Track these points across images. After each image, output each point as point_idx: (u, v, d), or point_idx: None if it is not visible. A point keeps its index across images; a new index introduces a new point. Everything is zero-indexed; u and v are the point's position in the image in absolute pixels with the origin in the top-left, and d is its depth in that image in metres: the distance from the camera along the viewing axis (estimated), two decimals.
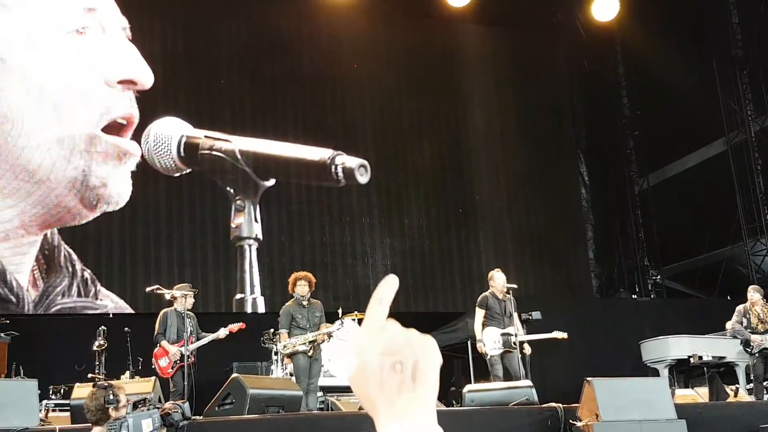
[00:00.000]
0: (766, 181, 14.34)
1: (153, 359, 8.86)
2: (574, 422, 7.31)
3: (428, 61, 14.88)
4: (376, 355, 1.25)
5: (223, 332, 8.97)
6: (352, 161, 13.72)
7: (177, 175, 13.17)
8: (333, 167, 13.65)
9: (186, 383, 8.33)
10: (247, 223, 13.38)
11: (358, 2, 13.91)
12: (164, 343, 8.78)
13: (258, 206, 13.44)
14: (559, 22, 15.99)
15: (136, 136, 12.77)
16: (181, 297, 8.91)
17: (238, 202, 13.40)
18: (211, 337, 8.94)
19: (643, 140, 16.63)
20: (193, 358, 8.75)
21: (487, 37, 15.40)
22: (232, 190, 13.47)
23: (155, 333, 8.87)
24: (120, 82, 12.81)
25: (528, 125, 15.60)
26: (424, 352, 1.26)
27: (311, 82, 14.18)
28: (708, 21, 14.98)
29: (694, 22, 15.07)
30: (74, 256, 12.26)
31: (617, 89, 16.93)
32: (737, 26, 14.80)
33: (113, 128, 12.62)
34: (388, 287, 1.30)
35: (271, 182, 13.61)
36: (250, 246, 13.33)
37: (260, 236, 13.37)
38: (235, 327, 9.08)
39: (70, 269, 12.20)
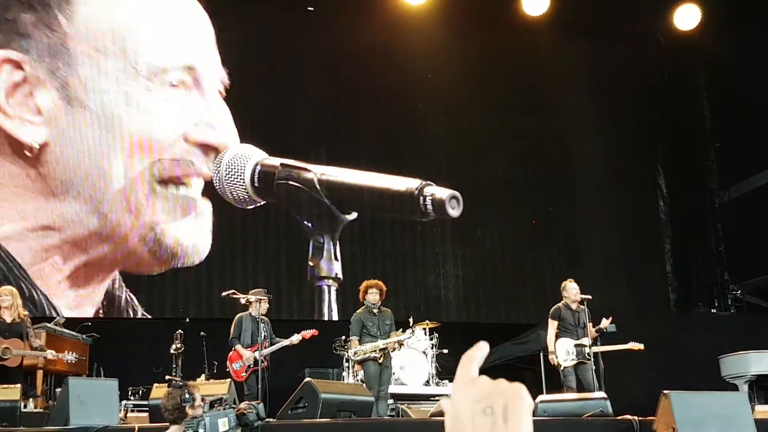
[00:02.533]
0: None
1: (227, 363, 9.04)
2: None
3: (503, 72, 14.83)
4: (468, 403, 1.33)
5: (296, 338, 9.12)
6: (442, 192, 12.42)
7: (250, 207, 12.78)
8: (421, 198, 12.52)
9: (260, 387, 8.47)
10: (327, 261, 12.76)
11: (433, 13, 13.93)
12: (239, 347, 8.96)
13: (338, 243, 12.85)
14: (639, 32, 15.75)
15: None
16: (256, 302, 9.08)
17: (316, 236, 12.81)
18: (284, 342, 9.08)
19: (724, 152, 16.25)
20: (266, 363, 8.89)
21: (564, 47, 15.26)
22: (310, 225, 12.88)
23: (230, 337, 9.06)
24: (200, 145, 12.61)
25: (605, 136, 15.43)
26: (514, 395, 1.32)
27: (385, 94, 14.22)
28: None
29: None
30: (135, 302, 12.28)
31: (698, 100, 16.57)
32: None
33: (183, 182, 12.55)
34: (479, 350, 1.39)
35: (353, 215, 12.94)
36: (329, 287, 12.80)
37: (340, 276, 12.78)
38: (308, 333, 9.22)
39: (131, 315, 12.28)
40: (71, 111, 12.28)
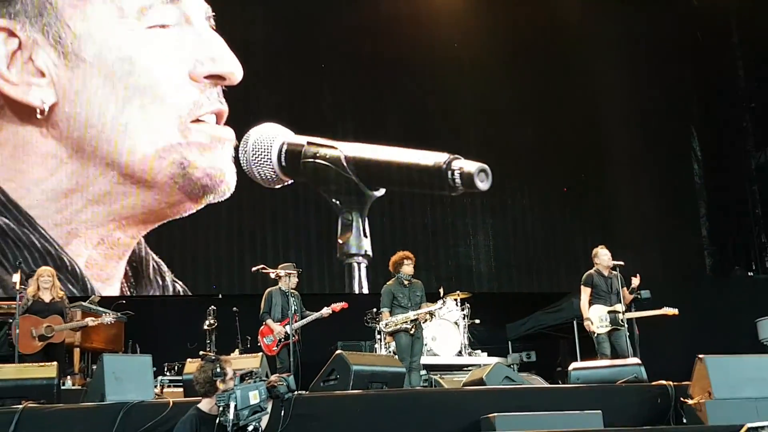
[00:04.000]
0: None
1: (259, 337, 9.08)
2: (686, 400, 7.13)
3: (532, 38, 14.63)
4: None
5: (326, 311, 9.10)
6: (470, 165, 13.05)
7: (278, 187, 12.92)
8: (449, 173, 13.07)
9: (291, 360, 8.51)
10: (356, 238, 12.98)
11: None
12: (269, 321, 8.98)
13: (367, 219, 13.08)
14: None
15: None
16: (285, 276, 9.10)
17: (345, 214, 13.00)
18: (315, 315, 9.08)
19: (760, 113, 15.99)
20: (297, 337, 8.88)
21: (594, 11, 15.01)
22: (338, 202, 13.07)
23: (260, 312, 9.09)
24: (207, 77, 12.54)
25: (637, 100, 15.22)
26: None
27: (411, 64, 14.11)
28: None
29: None
30: (164, 267, 12.36)
31: (733, 61, 16.28)
32: None
33: (201, 121, 12.49)
34: None
35: (381, 192, 13.19)
36: (359, 264, 12.97)
37: (370, 252, 12.98)
38: (338, 306, 9.20)
39: (160, 282, 12.31)
40: (72, 67, 12.28)
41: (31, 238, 11.80)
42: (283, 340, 8.82)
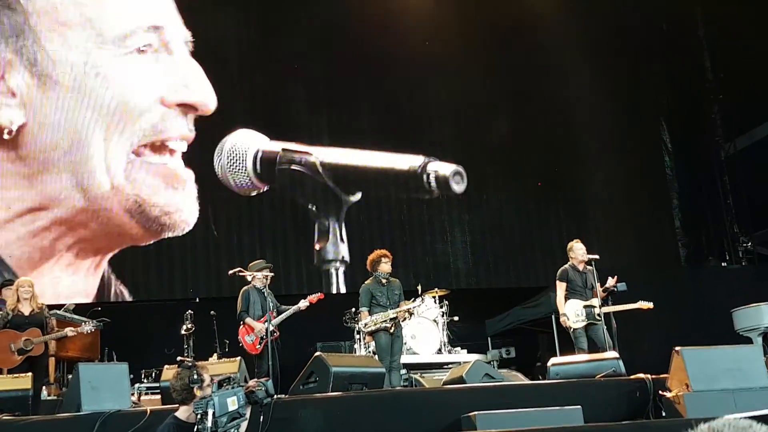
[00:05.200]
0: None
1: (239, 337, 8.96)
2: (664, 393, 7.12)
3: (504, 35, 14.66)
4: None
5: (303, 303, 8.98)
6: (445, 168, 13.01)
7: (253, 194, 12.84)
8: (425, 176, 13.01)
9: (270, 363, 8.41)
10: (332, 244, 12.90)
11: None
12: (249, 320, 8.85)
13: (343, 224, 13.00)
14: None
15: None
16: (262, 276, 9.01)
17: (321, 220, 12.94)
18: (293, 309, 8.95)
19: (728, 104, 16.10)
20: (277, 333, 8.79)
21: (563, 6, 15.03)
22: (314, 208, 13.01)
23: (238, 311, 8.96)
24: (179, 105, 12.44)
25: (607, 94, 15.28)
26: None
27: (384, 64, 14.08)
28: None
29: None
30: (125, 293, 12.18)
31: (699, 52, 16.40)
32: None
33: (163, 149, 12.32)
34: None
35: (357, 196, 13.15)
36: (336, 269, 12.89)
37: (347, 258, 12.90)
38: (314, 297, 9.08)
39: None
40: (44, 88, 12.19)
41: None
42: (264, 337, 8.70)
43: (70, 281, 11.80)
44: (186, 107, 12.50)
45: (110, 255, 12.16)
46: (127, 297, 12.16)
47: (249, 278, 9.11)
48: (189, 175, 12.45)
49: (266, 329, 8.61)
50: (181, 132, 12.40)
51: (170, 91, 12.48)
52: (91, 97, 12.31)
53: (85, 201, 12.03)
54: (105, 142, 12.16)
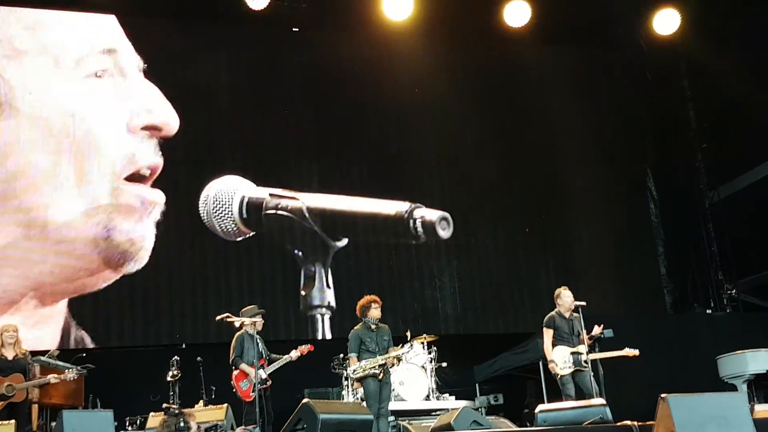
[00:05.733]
0: None
1: (233, 383, 8.87)
2: None
3: (490, 82, 14.79)
4: None
5: (294, 354, 8.99)
6: (432, 214, 13.03)
7: (239, 239, 12.80)
8: (411, 222, 13.01)
9: (257, 409, 8.33)
10: (318, 290, 12.88)
11: (416, 28, 13.86)
12: (243, 365, 8.79)
13: (329, 271, 12.97)
14: (620, 38, 15.78)
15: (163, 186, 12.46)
16: (251, 322, 8.98)
17: (308, 266, 12.92)
18: (285, 358, 8.95)
19: (712, 153, 16.26)
20: (270, 381, 8.78)
21: (548, 56, 15.24)
22: (301, 253, 13.00)
23: (232, 357, 8.89)
24: (144, 128, 12.38)
25: (594, 143, 15.40)
26: None
27: (373, 110, 14.23)
28: None
29: (757, 33, 14.69)
30: (87, 340, 11.89)
31: (683, 102, 16.60)
32: None
33: (135, 178, 12.22)
34: None
35: (343, 242, 13.15)
36: (322, 315, 12.85)
37: (333, 304, 12.85)
38: (305, 348, 9.09)
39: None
40: (5, 117, 12.03)
41: None
42: (258, 384, 8.62)
43: (33, 332, 11.25)
44: (151, 129, 12.46)
45: (68, 299, 11.89)
46: (89, 344, 11.80)
47: (237, 324, 9.08)
48: (160, 197, 12.34)
49: (256, 376, 8.57)
50: (150, 159, 12.33)
51: (134, 116, 12.43)
52: (55, 125, 12.16)
53: (43, 236, 11.72)
54: (74, 172, 12.03)
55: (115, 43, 12.70)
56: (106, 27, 12.88)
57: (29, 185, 11.88)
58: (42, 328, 11.61)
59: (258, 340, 8.95)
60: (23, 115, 12.14)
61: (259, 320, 9.06)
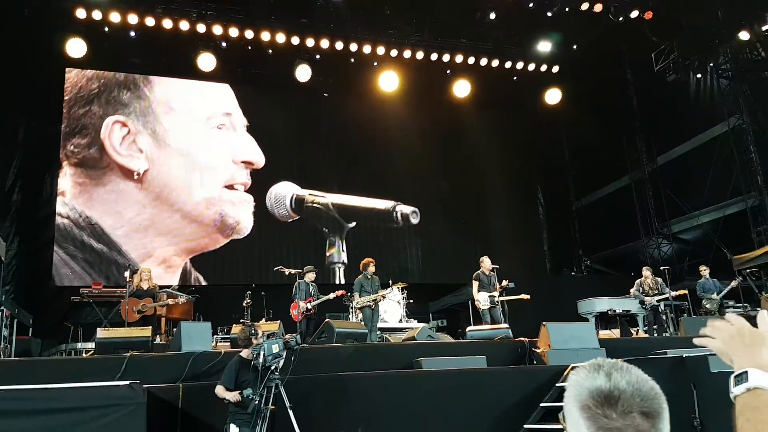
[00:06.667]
0: (656, 201, 14.03)
1: (290, 310, 8.78)
2: (535, 350, 7.23)
3: (445, 130, 14.75)
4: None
5: (332, 295, 8.85)
6: (407, 209, 13.27)
7: (290, 221, 12.86)
8: (394, 213, 13.23)
9: (306, 328, 8.33)
10: (337, 252, 12.96)
11: (400, 96, 13.92)
12: (297, 300, 8.66)
13: (344, 240, 13.06)
14: (525, 105, 15.82)
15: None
16: (307, 272, 8.78)
17: (330, 238, 12.98)
18: (324, 298, 8.74)
19: (577, 177, 16.39)
20: (313, 310, 8.64)
21: (481, 115, 15.19)
22: (326, 230, 13.04)
23: (293, 295, 8.71)
24: (242, 162, 12.67)
25: (506, 169, 15.38)
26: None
27: (372, 144, 14.16)
28: (616, 101, 14.74)
29: (611, 102, 14.81)
30: (201, 278, 12.14)
31: (561, 145, 16.70)
32: (636, 107, 14.55)
33: (233, 187, 12.59)
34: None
35: (353, 224, 13.24)
36: (339, 268, 12.95)
37: (346, 261, 12.88)
38: (339, 293, 8.88)
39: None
40: (160, 148, 12.28)
41: (116, 258, 11.58)
42: (304, 312, 8.55)
43: (164, 275, 11.68)
44: (247, 163, 12.73)
45: (191, 256, 12.13)
46: (203, 281, 12.11)
47: (287, 273, 9.02)
48: (250, 199, 12.65)
49: (306, 308, 8.49)
50: (243, 179, 12.70)
51: (237, 154, 12.72)
52: (190, 155, 12.36)
53: (182, 218, 12.03)
54: (200, 182, 12.27)
55: (231, 108, 12.96)
56: (225, 94, 13.05)
57: (173, 189, 12.15)
58: (173, 272, 11.98)
59: (311, 286, 8.70)
60: (172, 148, 12.33)
61: (311, 274, 8.89)
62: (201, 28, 11.87)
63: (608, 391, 1.04)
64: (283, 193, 12.88)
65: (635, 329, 10.31)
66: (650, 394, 1.05)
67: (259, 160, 12.78)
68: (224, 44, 12.32)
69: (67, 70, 12.20)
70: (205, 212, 12.20)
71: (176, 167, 12.22)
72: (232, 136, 12.80)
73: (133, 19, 11.51)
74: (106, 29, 11.64)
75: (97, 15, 11.37)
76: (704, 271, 10.00)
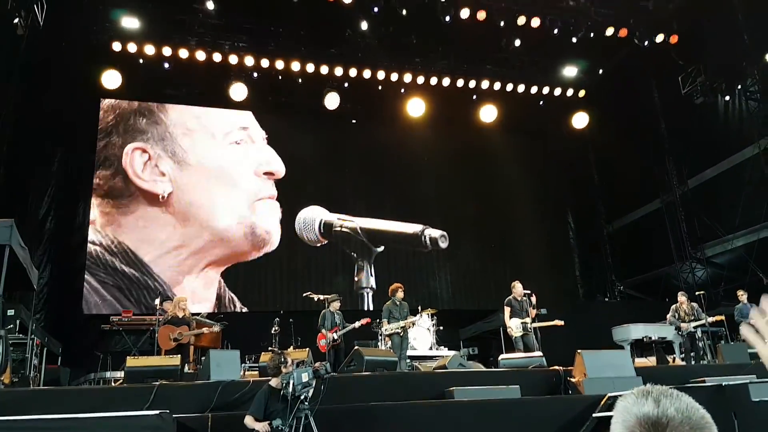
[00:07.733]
0: (688, 224, 13.64)
1: (317, 340, 8.62)
2: (570, 379, 6.98)
3: (472, 155, 14.72)
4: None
5: (358, 324, 8.74)
6: (436, 233, 13.08)
7: (318, 245, 12.82)
8: (423, 237, 13.06)
9: (334, 357, 8.21)
10: (365, 278, 12.85)
11: (427, 121, 13.98)
12: (323, 330, 8.56)
13: (372, 265, 12.92)
14: (552, 130, 15.71)
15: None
16: (332, 302, 8.71)
17: (359, 262, 12.90)
18: (350, 327, 8.64)
19: (608, 199, 16.08)
20: (339, 340, 8.53)
21: (508, 140, 15.15)
22: (354, 254, 12.97)
23: (319, 325, 8.55)
24: (264, 173, 12.80)
25: (536, 193, 15.27)
26: None
27: (400, 171, 14.17)
28: (644, 124, 14.50)
29: (639, 125, 14.56)
30: (236, 299, 12.12)
31: (589, 168, 16.45)
32: (665, 129, 14.29)
33: (261, 200, 12.69)
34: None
35: (381, 248, 13.12)
36: (367, 293, 12.82)
37: (374, 286, 12.72)
38: (365, 321, 8.74)
39: (233, 309, 12.10)
40: (182, 169, 12.44)
41: (148, 282, 11.67)
42: (331, 342, 8.45)
43: (200, 292, 11.82)
44: (269, 174, 12.90)
45: (222, 269, 12.18)
46: (238, 306, 12.06)
47: (315, 300, 8.95)
48: (277, 210, 12.79)
49: (333, 338, 8.35)
50: (269, 191, 12.85)
51: (258, 167, 12.88)
52: (211, 174, 12.50)
53: (212, 235, 12.14)
54: (225, 200, 12.40)
55: (248, 123, 13.08)
56: (242, 115, 13.22)
57: (199, 208, 12.29)
58: (207, 293, 12.03)
59: (337, 315, 8.57)
60: (192, 167, 12.46)
61: (336, 303, 8.81)
62: (233, 59, 12.13)
63: (656, 417, 1.00)
64: (312, 217, 12.91)
65: (671, 356, 9.91)
66: (700, 423, 1.00)
67: (280, 169, 12.91)
68: (255, 74, 12.56)
69: (101, 100, 12.54)
70: (234, 226, 12.27)
71: (200, 186, 12.35)
72: (250, 149, 12.90)
73: (167, 51, 11.83)
74: (141, 61, 11.98)
75: (132, 48, 11.72)
76: (742, 296, 9.61)
